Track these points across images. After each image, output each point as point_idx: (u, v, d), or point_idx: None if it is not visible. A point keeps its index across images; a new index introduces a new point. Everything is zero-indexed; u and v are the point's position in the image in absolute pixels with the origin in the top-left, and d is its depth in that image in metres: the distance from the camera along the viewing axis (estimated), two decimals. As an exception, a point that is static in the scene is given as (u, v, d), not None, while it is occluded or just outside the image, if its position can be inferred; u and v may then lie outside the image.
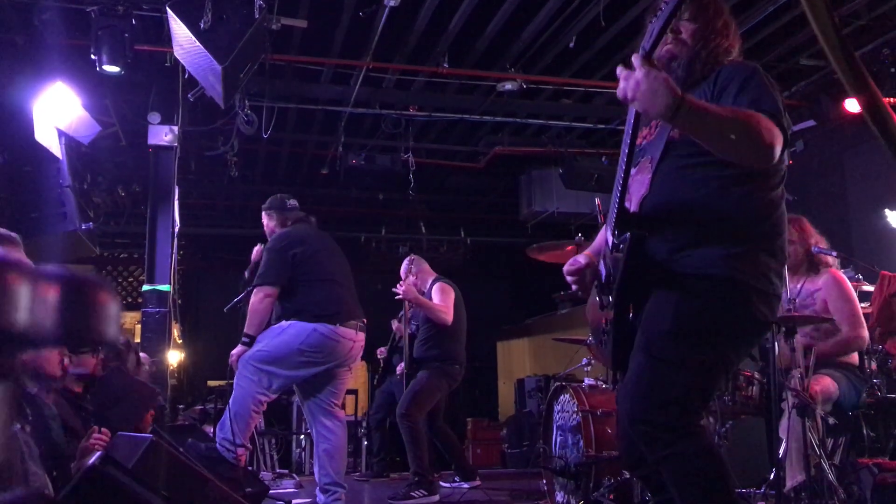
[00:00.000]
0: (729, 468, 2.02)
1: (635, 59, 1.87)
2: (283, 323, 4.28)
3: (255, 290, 4.25)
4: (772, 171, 2.12)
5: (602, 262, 2.23)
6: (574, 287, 2.35)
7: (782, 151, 2.00)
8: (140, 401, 3.64)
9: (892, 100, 6.37)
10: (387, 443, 7.20)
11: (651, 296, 2.10)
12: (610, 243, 2.14)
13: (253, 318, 4.23)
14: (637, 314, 2.11)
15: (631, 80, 1.85)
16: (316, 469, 4.36)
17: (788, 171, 2.26)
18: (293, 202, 4.66)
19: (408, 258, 5.82)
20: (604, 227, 2.28)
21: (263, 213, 4.73)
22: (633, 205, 2.18)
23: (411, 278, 5.66)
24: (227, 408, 4.24)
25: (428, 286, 5.74)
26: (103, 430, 2.86)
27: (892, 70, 6.24)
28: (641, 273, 2.07)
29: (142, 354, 5.81)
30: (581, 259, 2.33)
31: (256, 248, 4.72)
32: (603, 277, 2.21)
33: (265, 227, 4.69)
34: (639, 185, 2.19)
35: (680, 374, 1.98)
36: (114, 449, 2.32)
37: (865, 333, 3.93)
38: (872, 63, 6.45)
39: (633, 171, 2.22)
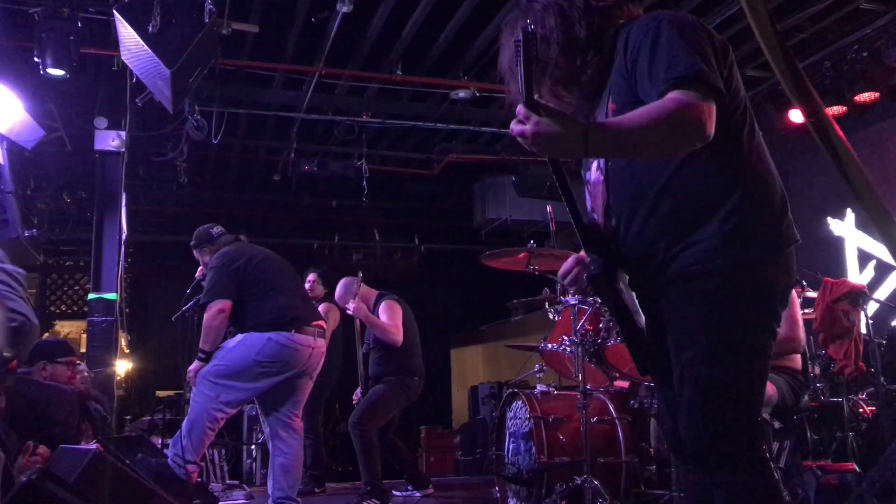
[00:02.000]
0: None
1: (519, 113, 1.70)
2: (238, 336, 4.22)
3: (207, 306, 4.17)
4: (727, 110, 1.86)
5: None
6: (572, 291, 2.27)
7: (723, 101, 1.79)
8: (59, 406, 3.55)
9: (834, 111, 6.57)
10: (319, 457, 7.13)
11: (665, 308, 1.92)
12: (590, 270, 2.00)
13: (208, 334, 4.16)
14: (650, 324, 1.97)
15: (525, 137, 1.70)
16: (270, 481, 4.30)
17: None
18: (218, 229, 4.60)
19: (341, 283, 5.75)
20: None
21: (194, 251, 4.63)
22: (599, 215, 2.04)
23: (356, 291, 5.57)
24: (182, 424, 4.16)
25: (373, 304, 5.68)
26: (39, 449, 2.78)
27: (833, 82, 6.41)
28: (622, 297, 1.95)
29: (82, 365, 5.68)
30: (571, 262, 2.16)
31: (200, 269, 4.64)
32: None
33: (200, 264, 4.61)
34: (597, 192, 2.05)
35: (732, 396, 1.82)
36: (55, 462, 2.26)
37: (802, 335, 4.02)
38: (815, 75, 6.63)
39: (588, 176, 2.11)
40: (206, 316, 4.18)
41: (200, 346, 4.18)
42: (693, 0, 5.76)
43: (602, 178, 2.02)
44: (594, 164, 2.08)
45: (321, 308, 6.80)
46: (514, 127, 1.72)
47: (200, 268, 4.62)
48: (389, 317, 5.51)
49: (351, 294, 5.54)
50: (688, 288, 1.86)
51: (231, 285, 4.20)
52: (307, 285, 6.83)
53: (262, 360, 4.12)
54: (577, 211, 1.91)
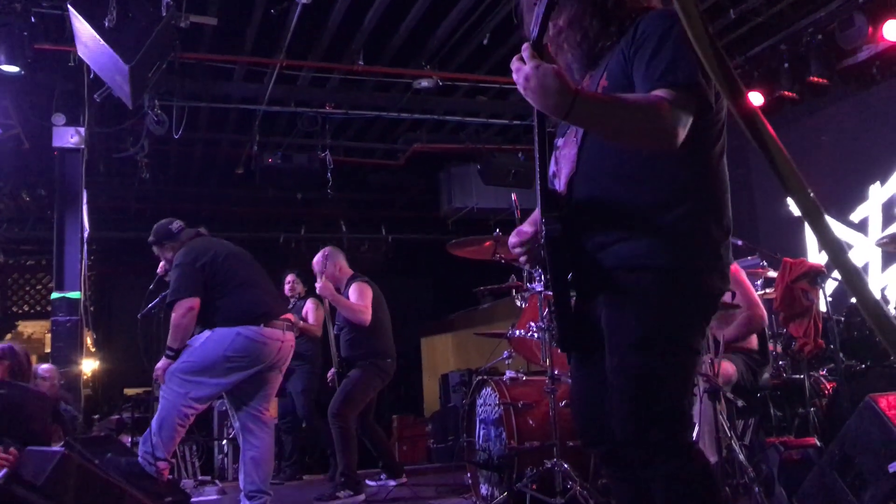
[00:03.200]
0: (723, 492, 1.95)
1: (525, 51, 1.75)
2: (206, 332, 4.20)
3: (174, 305, 4.14)
4: (709, 123, 1.92)
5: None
6: (522, 260, 2.16)
7: (709, 114, 1.87)
8: (33, 407, 3.51)
9: (790, 94, 6.68)
10: (298, 446, 7.26)
11: (601, 293, 1.96)
12: (541, 223, 1.99)
13: (176, 332, 4.12)
14: (584, 302, 2.01)
15: (521, 75, 1.74)
16: (241, 476, 4.29)
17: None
18: (178, 224, 4.52)
19: (322, 252, 5.73)
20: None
21: (154, 248, 4.54)
22: (561, 184, 2.05)
23: (330, 269, 5.61)
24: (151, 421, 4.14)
25: (344, 285, 5.70)
26: (11, 449, 2.75)
27: (790, 65, 6.51)
28: (569, 262, 1.95)
29: (44, 366, 5.62)
30: (527, 228, 2.14)
31: (162, 264, 4.57)
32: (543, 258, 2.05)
33: (163, 261, 4.52)
34: (566, 160, 2.06)
35: (662, 387, 1.86)
36: (23, 465, 2.24)
37: (763, 313, 4.10)
38: (771, 59, 6.73)
39: (560, 142, 2.12)
40: (174, 315, 4.14)
41: (168, 344, 4.15)
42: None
43: (576, 149, 2.02)
44: (572, 133, 2.08)
45: (306, 306, 6.84)
46: (515, 63, 1.76)
47: (162, 263, 4.56)
48: (358, 297, 5.52)
49: (324, 268, 5.56)
50: (629, 278, 1.90)
51: (198, 283, 4.17)
52: (287, 286, 6.89)
53: (231, 354, 4.10)
54: (546, 172, 1.95)
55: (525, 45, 1.75)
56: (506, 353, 4.75)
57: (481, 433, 4.31)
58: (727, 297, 4.03)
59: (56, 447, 2.50)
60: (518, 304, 4.60)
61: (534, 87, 1.71)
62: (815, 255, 6.56)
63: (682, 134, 1.78)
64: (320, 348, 6.77)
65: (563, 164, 2.06)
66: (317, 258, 5.70)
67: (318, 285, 5.47)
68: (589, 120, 1.81)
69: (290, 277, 7.01)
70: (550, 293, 2.01)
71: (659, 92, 1.80)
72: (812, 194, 0.93)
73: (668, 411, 1.85)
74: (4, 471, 1.77)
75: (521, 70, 1.73)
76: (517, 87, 1.76)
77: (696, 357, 1.95)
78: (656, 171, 1.92)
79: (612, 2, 2.00)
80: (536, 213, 2.13)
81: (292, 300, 6.91)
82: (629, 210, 1.92)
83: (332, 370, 5.74)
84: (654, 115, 1.77)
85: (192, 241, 4.41)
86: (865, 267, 6.38)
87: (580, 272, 1.96)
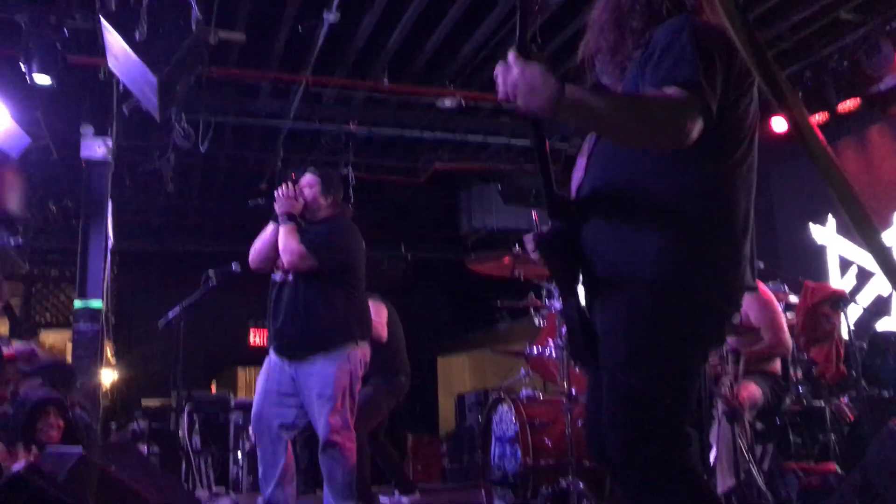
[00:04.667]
0: None
1: (510, 55, 1.71)
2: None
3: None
4: (726, 142, 1.84)
5: None
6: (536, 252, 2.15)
7: (712, 122, 1.74)
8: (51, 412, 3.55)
9: (816, 119, 6.66)
10: (313, 461, 7.23)
11: (596, 303, 1.89)
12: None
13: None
14: (591, 311, 1.92)
15: (508, 78, 1.69)
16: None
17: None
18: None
19: None
20: None
21: (319, 184, 4.12)
22: (572, 192, 2.02)
23: None
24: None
25: None
26: (32, 448, 2.79)
27: (815, 92, 6.50)
28: (569, 270, 1.90)
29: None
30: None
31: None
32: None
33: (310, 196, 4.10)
34: (577, 169, 2.03)
35: (651, 406, 1.77)
36: (43, 463, 2.27)
37: (788, 339, 4.07)
38: (795, 85, 6.72)
39: (579, 158, 2.07)
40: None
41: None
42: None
43: (586, 158, 2.00)
44: (587, 143, 2.05)
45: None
46: (499, 69, 1.72)
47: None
48: (374, 315, 5.53)
49: None
50: (621, 289, 1.82)
51: None
52: None
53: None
54: (549, 178, 1.88)
55: (510, 51, 1.72)
56: (523, 372, 4.74)
57: (497, 451, 4.30)
58: (742, 321, 4.01)
59: (74, 448, 2.53)
60: (537, 322, 4.60)
61: (521, 87, 1.67)
62: (837, 281, 6.51)
63: (694, 131, 1.68)
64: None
65: (575, 173, 2.04)
66: None
67: None
68: (580, 117, 1.73)
69: None
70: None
71: (663, 88, 1.73)
72: (865, 208, 0.94)
73: (659, 432, 1.76)
74: (23, 462, 1.80)
75: (508, 73, 1.69)
76: (501, 94, 1.72)
77: (693, 379, 1.84)
78: (656, 185, 1.83)
79: (636, 20, 1.94)
80: None
81: None
82: (624, 221, 1.85)
83: None
84: (659, 107, 1.71)
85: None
86: (890, 297, 6.30)
87: (585, 280, 1.90)
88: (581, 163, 2.03)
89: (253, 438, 4.63)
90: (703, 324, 1.84)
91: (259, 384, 4.01)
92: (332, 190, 4.11)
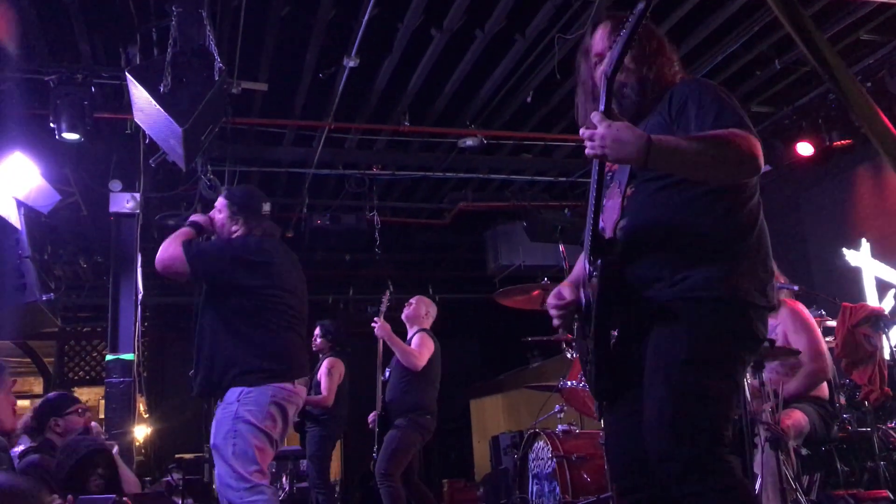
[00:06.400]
0: None
1: (594, 116, 1.92)
2: None
3: None
4: (742, 182, 2.12)
5: (582, 290, 2.19)
6: (556, 322, 2.29)
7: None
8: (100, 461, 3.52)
9: (840, 143, 6.59)
10: None
11: (650, 324, 2.06)
12: (587, 271, 2.11)
13: None
14: (625, 343, 2.08)
15: (596, 137, 1.89)
16: None
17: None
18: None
19: (387, 293, 5.85)
20: (581, 255, 2.22)
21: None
22: (607, 231, 2.16)
23: (416, 309, 5.79)
24: None
25: (411, 333, 5.73)
26: (69, 497, 2.77)
27: (839, 113, 6.44)
28: (620, 299, 2.05)
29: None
30: (566, 293, 2.24)
31: None
32: (583, 306, 2.17)
33: None
34: (611, 211, 2.18)
35: (705, 404, 1.94)
36: (75, 511, 2.24)
37: (827, 362, 3.95)
38: (820, 108, 6.67)
39: (605, 200, 2.20)
40: None
41: None
42: (696, 38, 5.83)
43: (619, 200, 2.15)
44: (615, 186, 2.20)
45: (321, 367, 6.80)
46: (585, 131, 1.93)
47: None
48: (419, 345, 5.52)
49: (414, 307, 5.76)
50: (686, 307, 2.01)
51: None
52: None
53: None
54: (598, 216, 2.08)
55: (594, 113, 1.93)
56: (557, 407, 4.66)
57: (534, 489, 4.20)
58: (781, 343, 3.92)
59: (108, 496, 2.49)
60: (569, 356, 4.53)
61: (610, 143, 1.87)
62: (875, 304, 6.36)
63: (761, 160, 1.95)
64: (337, 410, 6.63)
65: (607, 214, 2.18)
66: (411, 299, 5.88)
67: (376, 325, 5.50)
68: (669, 161, 1.93)
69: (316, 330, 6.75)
70: (591, 341, 2.05)
71: (728, 129, 1.97)
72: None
73: (706, 429, 1.91)
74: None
75: (596, 134, 1.89)
76: (589, 151, 1.92)
77: (735, 386, 2.04)
78: (706, 221, 2.07)
79: (653, 74, 2.20)
80: (576, 272, 2.29)
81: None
82: (684, 253, 2.06)
83: (374, 413, 5.70)
84: (733, 143, 1.93)
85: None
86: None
87: (628, 310, 2.06)
88: (613, 204, 2.17)
89: (287, 486, 4.58)
90: (750, 342, 2.07)
91: None
92: (239, 210, 3.74)
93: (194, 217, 3.80)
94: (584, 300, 2.18)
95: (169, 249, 3.51)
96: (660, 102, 2.18)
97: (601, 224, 2.17)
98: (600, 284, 2.04)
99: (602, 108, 1.96)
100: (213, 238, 3.78)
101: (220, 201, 3.80)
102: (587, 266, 2.12)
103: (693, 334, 1.99)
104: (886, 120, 0.96)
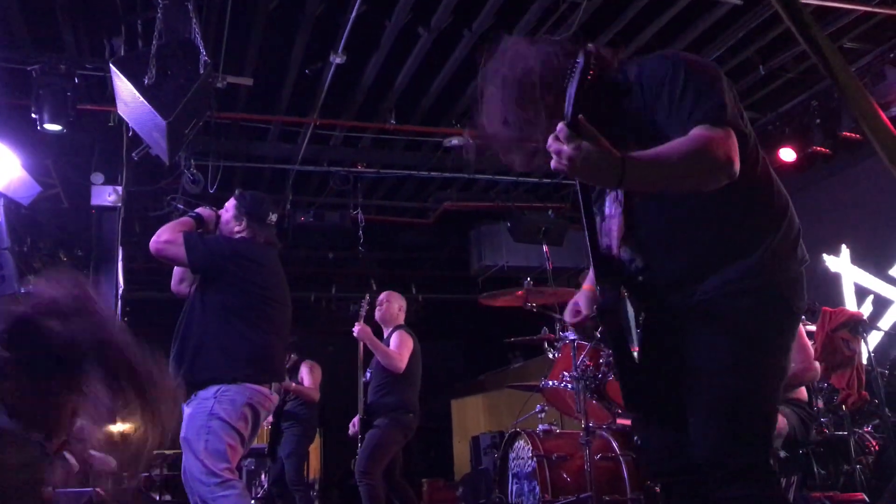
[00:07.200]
0: None
1: (560, 132, 1.72)
2: None
3: None
4: (747, 146, 1.97)
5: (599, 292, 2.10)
6: (575, 334, 2.30)
7: (741, 143, 1.87)
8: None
9: (822, 149, 6.64)
10: None
11: (682, 329, 1.97)
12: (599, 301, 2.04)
13: None
14: (649, 354, 1.98)
15: (563, 157, 1.72)
16: None
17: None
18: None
19: (367, 296, 5.85)
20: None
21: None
22: (613, 246, 2.09)
23: (388, 309, 5.71)
24: None
25: (388, 332, 5.71)
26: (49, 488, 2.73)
27: (820, 121, 6.49)
28: (624, 326, 1.98)
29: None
30: (582, 306, 2.22)
31: None
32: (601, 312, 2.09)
33: None
34: (616, 224, 2.10)
35: (754, 405, 1.89)
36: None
37: (816, 365, 3.99)
38: (803, 115, 6.72)
39: (606, 210, 2.15)
40: None
41: None
42: (681, 43, 5.85)
43: (620, 210, 2.07)
44: (610, 198, 2.12)
45: (301, 370, 6.81)
46: (552, 144, 1.74)
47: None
48: (398, 345, 5.51)
49: (381, 306, 5.72)
50: (723, 304, 1.93)
51: None
52: None
53: None
54: (596, 239, 1.99)
55: (560, 126, 1.72)
56: (538, 407, 4.66)
57: (514, 488, 4.20)
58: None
59: (85, 489, 2.47)
60: (550, 356, 4.54)
61: (580, 167, 1.71)
62: (854, 310, 6.41)
63: (738, 161, 1.80)
64: (316, 411, 6.64)
65: (613, 228, 2.10)
66: (380, 298, 5.82)
67: (355, 329, 5.49)
68: (643, 181, 1.81)
69: None
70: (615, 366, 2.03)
71: (696, 130, 1.82)
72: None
73: (756, 435, 1.87)
74: None
75: (562, 153, 1.72)
76: (555, 165, 1.75)
77: (782, 379, 1.97)
78: (719, 208, 1.96)
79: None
80: (591, 276, 2.23)
81: None
82: (708, 252, 1.97)
83: (357, 417, 5.68)
84: (705, 152, 1.79)
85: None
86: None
87: (654, 321, 1.97)
88: (611, 222, 2.09)
89: (265, 484, 4.55)
90: (792, 321, 2.01)
91: None
92: (246, 214, 3.81)
93: (200, 209, 3.86)
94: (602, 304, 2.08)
95: (167, 233, 3.59)
96: (627, 84, 2.01)
97: (605, 242, 2.10)
98: (607, 327, 1.99)
99: (569, 114, 1.73)
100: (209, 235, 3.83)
101: (231, 201, 3.90)
102: (597, 288, 2.05)
103: (735, 337, 1.91)
104: (886, 119, 0.97)
